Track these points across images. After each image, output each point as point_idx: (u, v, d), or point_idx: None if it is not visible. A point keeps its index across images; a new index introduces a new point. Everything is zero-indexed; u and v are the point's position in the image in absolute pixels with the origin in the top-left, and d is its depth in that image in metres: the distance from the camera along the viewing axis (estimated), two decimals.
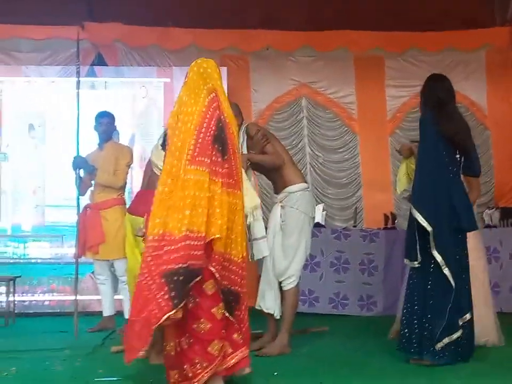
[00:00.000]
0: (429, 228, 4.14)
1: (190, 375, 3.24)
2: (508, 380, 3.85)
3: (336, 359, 4.51)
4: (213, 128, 3.36)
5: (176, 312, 3.13)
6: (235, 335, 3.37)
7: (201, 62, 3.57)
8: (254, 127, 4.76)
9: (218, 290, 3.28)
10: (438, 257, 4.15)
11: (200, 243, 3.19)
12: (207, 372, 3.24)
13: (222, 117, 3.43)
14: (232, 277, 3.36)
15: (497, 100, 8.05)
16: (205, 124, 3.35)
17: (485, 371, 4.09)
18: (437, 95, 4.36)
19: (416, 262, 4.24)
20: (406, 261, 4.40)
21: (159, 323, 3.12)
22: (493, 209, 7.16)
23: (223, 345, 3.29)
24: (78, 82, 5.60)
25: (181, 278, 3.13)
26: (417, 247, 4.21)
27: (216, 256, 3.26)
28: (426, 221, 4.15)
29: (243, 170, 4.56)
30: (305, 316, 5.98)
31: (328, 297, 6.57)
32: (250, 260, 4.62)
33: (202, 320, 3.26)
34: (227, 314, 3.30)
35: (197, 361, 3.24)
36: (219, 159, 3.34)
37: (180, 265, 3.14)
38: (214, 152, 3.33)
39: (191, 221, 3.20)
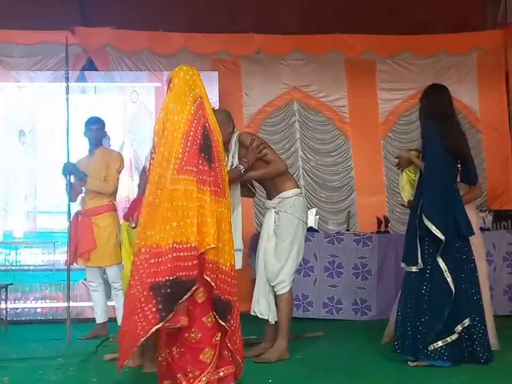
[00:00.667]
0: (442, 237, 4.21)
1: (184, 383, 3.22)
2: None
3: (331, 364, 4.48)
4: (199, 136, 3.32)
5: (169, 320, 3.09)
6: (225, 352, 3.35)
7: (187, 69, 3.51)
8: (248, 136, 4.69)
9: (209, 299, 3.25)
10: (442, 264, 4.23)
11: (190, 254, 3.16)
12: (200, 380, 3.22)
13: (207, 124, 3.40)
14: (222, 285, 3.31)
15: (489, 102, 8.07)
16: (192, 132, 3.31)
17: (482, 375, 4.06)
18: (440, 108, 4.41)
19: (414, 267, 4.30)
20: (403, 265, 4.44)
21: (146, 335, 3.10)
22: (486, 212, 7.15)
23: (215, 352, 3.26)
24: (67, 87, 5.58)
25: (168, 290, 3.10)
26: (419, 252, 4.28)
27: (210, 265, 3.22)
28: (440, 230, 4.22)
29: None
30: (299, 320, 5.94)
31: (322, 301, 6.54)
32: None
33: (193, 329, 3.24)
34: (222, 323, 3.27)
35: (188, 370, 3.22)
36: (206, 168, 3.31)
37: (166, 277, 3.11)
38: (200, 161, 3.29)
39: (179, 232, 3.16)
